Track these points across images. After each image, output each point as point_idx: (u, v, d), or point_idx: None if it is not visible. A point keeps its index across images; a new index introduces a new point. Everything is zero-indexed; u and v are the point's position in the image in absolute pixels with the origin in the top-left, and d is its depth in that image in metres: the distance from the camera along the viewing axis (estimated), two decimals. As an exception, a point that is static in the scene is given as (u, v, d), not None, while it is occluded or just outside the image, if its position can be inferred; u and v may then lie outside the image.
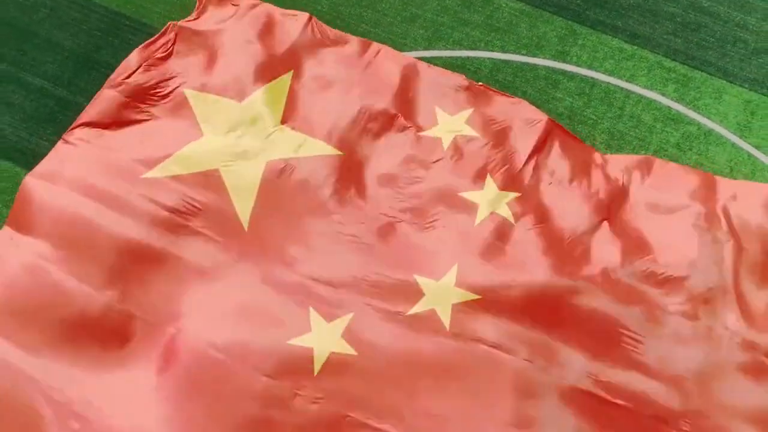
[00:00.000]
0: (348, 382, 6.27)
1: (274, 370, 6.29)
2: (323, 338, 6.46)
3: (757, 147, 8.37)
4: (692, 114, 8.53)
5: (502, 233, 6.91)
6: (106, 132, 7.35)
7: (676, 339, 6.60)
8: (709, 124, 8.48)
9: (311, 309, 6.61)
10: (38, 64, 8.58)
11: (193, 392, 6.18)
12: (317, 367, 6.39)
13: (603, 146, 8.25)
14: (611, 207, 7.29)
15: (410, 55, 8.34)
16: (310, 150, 7.30)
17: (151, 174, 7.13)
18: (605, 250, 6.97)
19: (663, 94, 8.61)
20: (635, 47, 8.84)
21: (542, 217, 7.10)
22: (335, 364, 6.33)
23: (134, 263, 6.66)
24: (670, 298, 6.77)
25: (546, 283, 6.70)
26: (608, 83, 8.65)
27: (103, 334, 6.39)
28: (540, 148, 7.45)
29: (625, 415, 6.30)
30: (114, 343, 6.37)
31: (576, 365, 6.43)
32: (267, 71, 7.68)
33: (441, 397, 6.24)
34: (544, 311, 6.58)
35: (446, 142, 7.46)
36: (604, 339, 6.52)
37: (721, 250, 6.91)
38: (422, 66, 7.92)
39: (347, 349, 6.47)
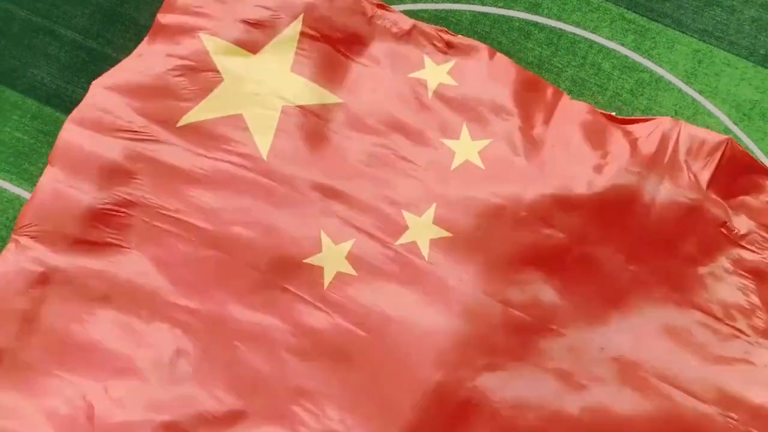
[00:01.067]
0: (351, 297, 7.77)
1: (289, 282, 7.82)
2: (332, 260, 7.92)
3: (700, 92, 9.62)
4: (646, 62, 9.73)
5: (472, 179, 8.25)
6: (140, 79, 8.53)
7: None
8: (660, 71, 9.69)
9: (322, 233, 8.03)
10: (69, 17, 9.67)
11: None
12: (326, 282, 7.88)
13: (566, 92, 9.47)
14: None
15: (398, 9, 9.45)
16: (317, 98, 8.56)
17: (183, 122, 8.41)
18: None
19: (622, 44, 9.78)
20: (600, 0, 9.95)
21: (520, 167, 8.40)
22: (344, 286, 7.81)
23: (181, 183, 8.10)
24: None
25: (506, 226, 8.11)
26: (574, 34, 9.80)
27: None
28: (514, 99, 8.65)
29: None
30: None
31: (529, 292, 7.94)
32: (274, 27, 8.81)
33: (425, 313, 7.75)
34: (504, 249, 8.00)
35: (430, 91, 8.70)
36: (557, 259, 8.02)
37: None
38: (418, 23, 9.03)
39: (350, 270, 7.92)
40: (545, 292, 8.04)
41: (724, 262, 8.27)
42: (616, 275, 8.13)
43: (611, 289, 8.14)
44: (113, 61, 9.16)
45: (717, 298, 8.15)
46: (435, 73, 8.82)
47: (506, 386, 7.82)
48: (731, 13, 9.83)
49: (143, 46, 8.76)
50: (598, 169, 8.30)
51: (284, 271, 8.00)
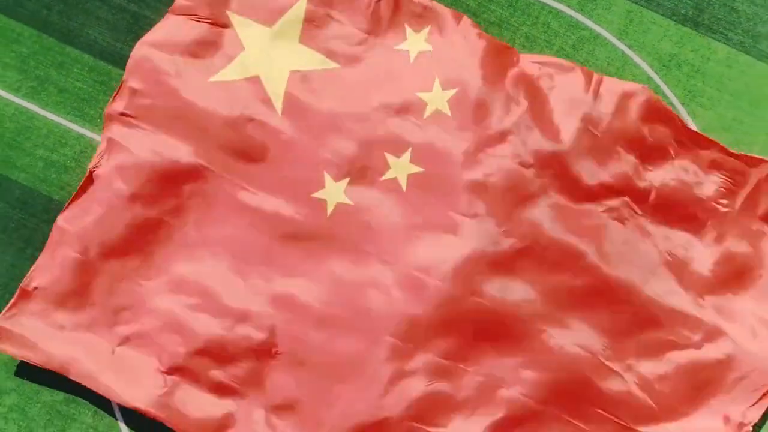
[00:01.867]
0: (350, 225, 10.38)
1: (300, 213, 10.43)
2: (333, 193, 10.46)
3: (629, 47, 11.86)
4: (587, 21, 11.91)
5: (441, 124, 10.66)
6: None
7: None
8: (598, 29, 11.89)
9: (326, 174, 10.54)
10: (114, -16, 11.76)
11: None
12: (329, 210, 10.47)
13: (519, 47, 11.70)
14: (528, 97, 10.89)
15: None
16: (319, 64, 10.86)
17: (213, 79, 10.77)
18: (520, 132, 10.75)
19: (568, 6, 11.92)
20: (552, -34, 12.01)
21: (477, 114, 10.74)
22: (343, 214, 10.38)
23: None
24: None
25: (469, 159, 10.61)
26: (529, -4, 11.94)
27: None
28: (479, 62, 10.93)
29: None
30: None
31: (488, 225, 10.49)
32: (285, 5, 11.01)
33: (408, 239, 10.41)
34: (466, 176, 10.53)
35: (412, 56, 11.01)
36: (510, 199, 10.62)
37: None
38: None
39: (347, 201, 10.48)
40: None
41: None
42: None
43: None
44: (152, 22, 11.39)
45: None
46: (415, 41, 11.09)
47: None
48: (660, -22, 11.96)
49: (172, 18, 10.99)
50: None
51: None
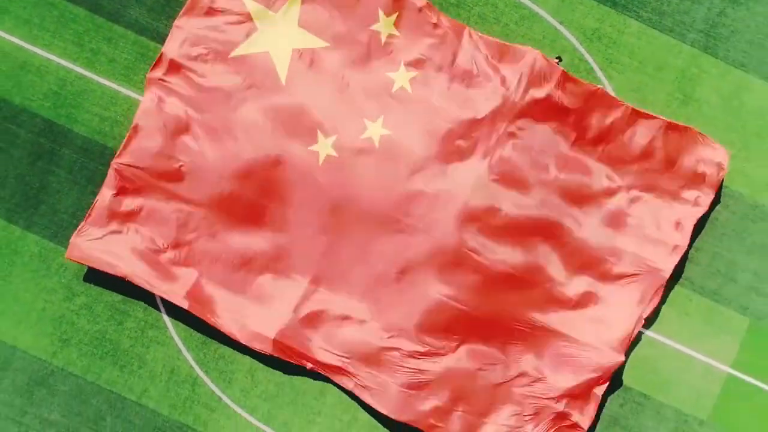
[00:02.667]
0: (335, 171, 13.71)
1: (295, 162, 13.82)
2: (323, 147, 13.76)
3: (561, 23, 14.89)
4: (527, 2, 14.89)
5: (405, 98, 13.86)
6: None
7: None
8: (536, 8, 14.90)
9: (318, 132, 13.84)
10: (150, -26, 14.77)
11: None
12: (321, 160, 13.78)
13: (473, 24, 14.72)
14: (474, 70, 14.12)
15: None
16: (313, 43, 14.01)
17: (233, 53, 13.95)
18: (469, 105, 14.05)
19: (513, -11, 14.92)
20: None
21: (432, 90, 13.94)
22: (331, 162, 13.72)
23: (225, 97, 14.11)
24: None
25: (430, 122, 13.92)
26: (482, -19, 14.88)
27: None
28: (433, 44, 14.07)
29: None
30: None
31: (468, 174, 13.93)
32: (284, -1, 14.15)
33: (378, 182, 13.90)
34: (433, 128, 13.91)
35: (383, 38, 14.11)
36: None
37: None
38: None
39: (334, 153, 13.79)
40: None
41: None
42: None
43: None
44: (182, 5, 14.45)
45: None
46: (385, 24, 14.17)
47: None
48: (587, -34, 14.90)
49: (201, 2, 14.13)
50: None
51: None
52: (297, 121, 14.02)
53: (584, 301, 14.36)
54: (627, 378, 14.75)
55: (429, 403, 14.16)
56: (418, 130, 14.02)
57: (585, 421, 14.36)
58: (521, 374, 14.34)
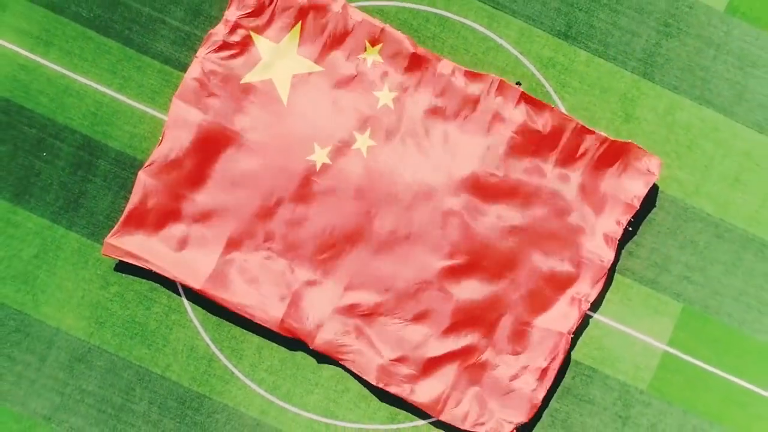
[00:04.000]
0: (331, 177, 16.47)
1: (297, 172, 16.51)
2: (320, 157, 16.44)
3: (521, 53, 17.53)
4: (493, 35, 17.56)
5: (388, 114, 16.56)
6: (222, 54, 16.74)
7: None
8: (500, 41, 17.52)
9: (315, 144, 16.51)
10: (170, 3, 17.42)
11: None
12: (318, 167, 16.49)
13: (446, 54, 17.34)
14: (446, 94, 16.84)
15: (355, 4, 17.21)
16: (310, 69, 16.69)
17: (243, 80, 16.63)
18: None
19: (480, 24, 17.53)
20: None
21: (411, 107, 16.64)
22: (326, 169, 16.46)
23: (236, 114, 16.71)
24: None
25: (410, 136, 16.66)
26: (445, 17, 17.55)
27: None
28: (408, 69, 16.81)
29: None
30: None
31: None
32: (287, 28, 16.76)
33: (368, 185, 16.66)
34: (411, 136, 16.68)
35: (369, 63, 16.80)
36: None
37: None
38: (364, 16, 16.87)
39: (328, 161, 16.49)
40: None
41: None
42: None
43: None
44: (200, 39, 17.13)
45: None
46: (371, 53, 16.86)
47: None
48: (543, 4, 17.53)
49: (220, 31, 16.77)
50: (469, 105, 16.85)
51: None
52: (297, 135, 16.72)
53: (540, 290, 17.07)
54: (577, 354, 17.36)
55: (405, 371, 16.83)
56: (400, 141, 16.73)
57: (541, 392, 16.95)
58: (488, 359, 17.01)
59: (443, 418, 16.99)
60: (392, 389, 16.86)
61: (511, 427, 16.86)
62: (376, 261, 16.81)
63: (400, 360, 16.91)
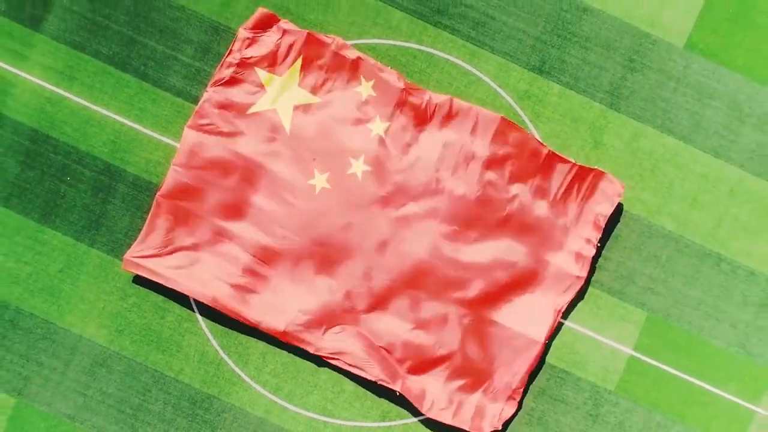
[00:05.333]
0: (328, 199, 18.44)
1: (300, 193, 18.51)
2: (319, 181, 18.36)
3: (500, 86, 19.39)
4: (474, 70, 19.39)
5: (381, 142, 18.45)
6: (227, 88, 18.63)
7: None
8: (480, 75, 19.38)
9: (315, 170, 18.41)
10: (183, 43, 19.26)
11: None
12: (317, 190, 18.47)
13: (432, 88, 19.18)
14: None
15: (351, 42, 19.07)
16: (309, 100, 18.58)
17: (250, 111, 18.50)
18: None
19: (463, 61, 19.37)
20: (449, 35, 19.40)
21: (401, 138, 18.51)
22: (325, 192, 18.47)
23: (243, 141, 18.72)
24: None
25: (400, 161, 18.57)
26: (432, 54, 19.39)
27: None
28: (398, 104, 18.70)
29: None
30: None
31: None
32: (289, 63, 18.63)
33: (360, 206, 18.58)
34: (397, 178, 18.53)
35: (364, 96, 18.67)
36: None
37: None
38: (360, 55, 18.74)
39: (327, 185, 18.46)
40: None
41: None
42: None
43: None
44: (209, 75, 18.99)
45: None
46: (365, 87, 18.73)
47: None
48: (519, 42, 19.39)
49: (228, 67, 18.63)
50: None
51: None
52: (299, 160, 18.59)
53: (518, 295, 18.92)
54: (551, 358, 19.19)
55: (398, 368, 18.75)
56: (391, 166, 18.64)
57: (518, 393, 18.79)
58: (468, 358, 18.85)
59: (431, 414, 18.79)
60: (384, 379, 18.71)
61: (497, 421, 18.67)
62: (369, 272, 18.66)
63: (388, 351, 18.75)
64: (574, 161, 18.86)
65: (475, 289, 18.78)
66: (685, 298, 19.24)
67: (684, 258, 19.26)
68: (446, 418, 18.73)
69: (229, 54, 18.70)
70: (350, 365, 18.67)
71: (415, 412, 18.97)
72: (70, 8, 19.08)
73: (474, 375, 18.83)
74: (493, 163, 18.77)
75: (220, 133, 18.68)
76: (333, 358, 18.72)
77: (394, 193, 18.68)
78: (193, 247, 18.78)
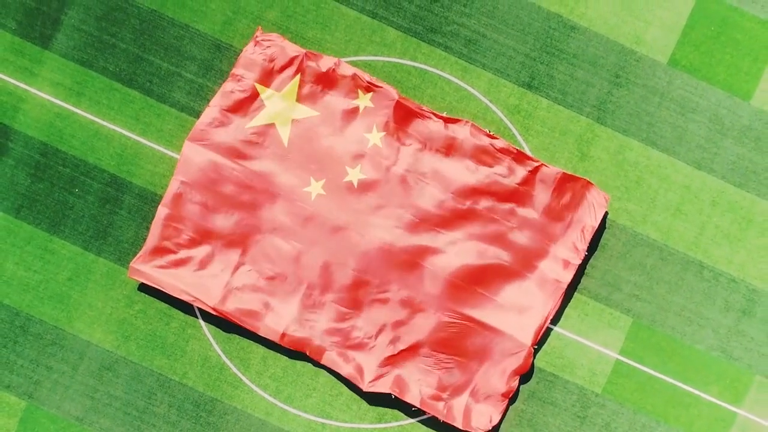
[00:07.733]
0: (324, 206, 19.28)
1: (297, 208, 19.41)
2: (315, 188, 19.20)
3: (489, 101, 20.20)
4: (466, 86, 20.25)
5: (377, 151, 19.28)
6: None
7: None
8: (472, 90, 20.19)
9: (311, 178, 19.29)
10: (187, 60, 20.09)
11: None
12: (313, 197, 19.35)
13: (426, 102, 20.00)
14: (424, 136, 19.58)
15: (345, 60, 19.89)
16: (307, 114, 19.39)
17: (249, 125, 19.31)
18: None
19: (455, 77, 20.18)
20: (442, 52, 20.21)
21: (395, 146, 19.32)
22: (321, 199, 19.27)
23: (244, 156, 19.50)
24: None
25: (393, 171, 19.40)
26: (425, 70, 20.21)
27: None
28: (395, 117, 19.51)
29: None
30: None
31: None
32: (288, 80, 19.44)
33: (357, 212, 19.46)
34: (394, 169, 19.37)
35: (361, 108, 19.49)
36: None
37: None
38: (356, 71, 19.55)
39: (323, 192, 19.33)
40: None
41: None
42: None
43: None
44: (213, 91, 19.79)
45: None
46: (362, 99, 19.55)
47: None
48: (509, 59, 20.20)
49: (230, 83, 19.45)
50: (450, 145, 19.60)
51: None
52: (296, 170, 19.41)
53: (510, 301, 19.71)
54: (540, 362, 19.98)
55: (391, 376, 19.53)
56: (387, 174, 19.48)
57: (507, 396, 19.59)
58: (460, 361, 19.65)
59: (424, 407, 19.59)
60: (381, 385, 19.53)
61: (488, 422, 19.47)
62: (362, 277, 19.47)
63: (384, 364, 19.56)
64: (563, 170, 19.65)
65: (463, 291, 19.55)
66: (669, 305, 20.02)
67: (668, 266, 20.04)
68: (439, 414, 19.51)
69: (231, 71, 19.52)
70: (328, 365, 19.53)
71: (410, 413, 19.77)
72: (79, 27, 19.90)
73: (462, 373, 19.59)
74: (483, 173, 19.61)
75: (220, 147, 19.47)
76: (327, 365, 19.55)
77: (390, 200, 19.45)
78: (194, 256, 19.55)
